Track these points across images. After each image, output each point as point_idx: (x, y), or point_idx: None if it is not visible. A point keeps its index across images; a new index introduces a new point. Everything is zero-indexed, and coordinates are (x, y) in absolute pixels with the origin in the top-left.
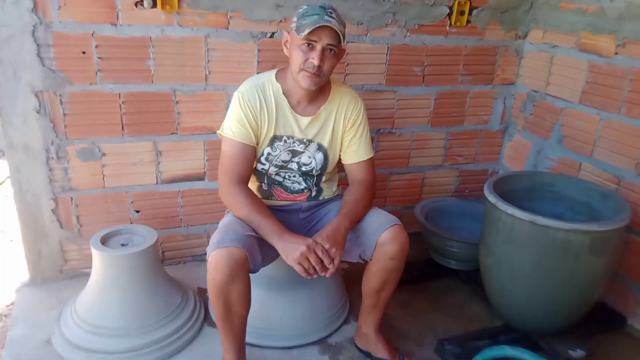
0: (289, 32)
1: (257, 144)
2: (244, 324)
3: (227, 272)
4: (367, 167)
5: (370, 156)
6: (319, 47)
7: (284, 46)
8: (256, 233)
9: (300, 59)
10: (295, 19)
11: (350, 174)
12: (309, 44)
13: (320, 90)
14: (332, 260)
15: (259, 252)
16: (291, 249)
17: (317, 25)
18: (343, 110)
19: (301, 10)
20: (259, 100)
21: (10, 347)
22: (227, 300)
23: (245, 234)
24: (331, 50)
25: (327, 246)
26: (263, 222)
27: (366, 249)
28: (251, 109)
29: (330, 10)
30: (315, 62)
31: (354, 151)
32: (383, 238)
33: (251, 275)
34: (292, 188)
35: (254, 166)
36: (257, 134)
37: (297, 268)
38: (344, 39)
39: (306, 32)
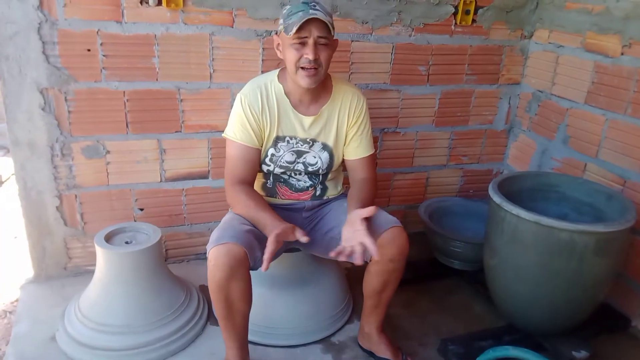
0: (278, 35)
1: (262, 146)
2: (246, 321)
3: (227, 269)
4: (368, 163)
5: (372, 152)
6: (310, 41)
7: (276, 50)
8: (256, 228)
9: (295, 57)
10: (281, 20)
11: (352, 171)
12: (300, 42)
13: (322, 89)
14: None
15: (258, 249)
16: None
17: (305, 20)
18: (346, 108)
19: (285, 10)
20: (260, 101)
21: (15, 344)
22: (228, 298)
23: (243, 230)
24: (323, 43)
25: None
26: (260, 216)
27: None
28: (253, 111)
29: (313, 3)
30: (310, 56)
31: (356, 147)
32: (382, 239)
33: (254, 273)
34: (297, 186)
35: (260, 167)
36: (260, 136)
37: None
38: (333, 29)
39: (295, 29)
